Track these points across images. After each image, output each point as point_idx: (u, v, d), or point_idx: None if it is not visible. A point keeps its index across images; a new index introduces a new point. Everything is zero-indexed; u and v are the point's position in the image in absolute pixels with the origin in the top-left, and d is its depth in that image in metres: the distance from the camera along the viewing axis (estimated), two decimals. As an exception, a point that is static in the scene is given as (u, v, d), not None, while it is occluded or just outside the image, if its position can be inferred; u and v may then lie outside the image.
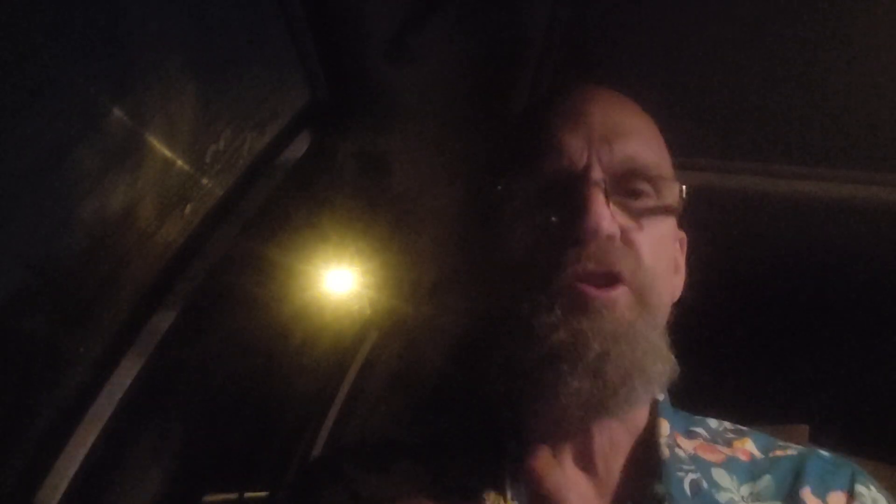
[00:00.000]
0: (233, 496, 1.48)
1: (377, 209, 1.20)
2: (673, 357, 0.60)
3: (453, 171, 1.12)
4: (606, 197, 0.56)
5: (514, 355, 0.57)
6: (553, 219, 0.58)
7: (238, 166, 0.98)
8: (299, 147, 1.04)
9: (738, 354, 1.61)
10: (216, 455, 1.41)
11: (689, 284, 0.68)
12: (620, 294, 0.56)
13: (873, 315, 1.48)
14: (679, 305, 0.66)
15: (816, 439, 1.47)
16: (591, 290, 0.55)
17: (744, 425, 0.69)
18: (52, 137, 0.70)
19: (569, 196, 0.57)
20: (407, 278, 1.40)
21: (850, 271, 1.37)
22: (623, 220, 0.58)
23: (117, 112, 0.75)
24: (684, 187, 0.61)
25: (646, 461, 0.60)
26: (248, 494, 1.50)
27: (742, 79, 0.94)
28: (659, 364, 0.57)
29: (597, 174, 0.57)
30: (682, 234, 0.68)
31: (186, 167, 0.88)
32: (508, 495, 0.57)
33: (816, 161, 1.09)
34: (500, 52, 0.92)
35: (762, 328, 1.57)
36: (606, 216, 0.56)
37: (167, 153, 0.84)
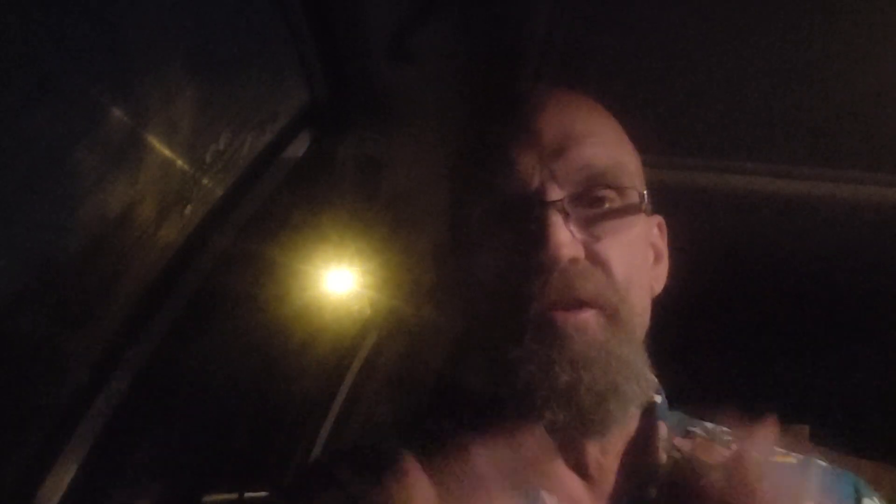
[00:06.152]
0: (233, 496, 1.48)
1: (377, 209, 1.20)
2: (648, 373, 0.59)
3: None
4: (566, 217, 0.55)
5: (492, 384, 0.57)
6: (514, 245, 0.56)
7: (238, 166, 0.98)
8: (299, 147, 1.04)
9: (738, 354, 1.61)
10: (216, 455, 1.41)
11: (691, 286, 0.68)
12: (590, 316, 0.55)
13: (873, 315, 1.48)
14: (679, 306, 0.66)
15: (816, 439, 1.47)
16: (560, 315, 0.54)
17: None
18: (52, 137, 0.70)
19: (525, 221, 0.55)
20: (407, 278, 1.40)
21: (851, 271, 1.37)
22: (586, 235, 0.56)
23: (117, 112, 0.75)
24: (645, 192, 0.59)
25: (642, 464, 0.60)
26: (248, 494, 1.50)
27: (740, 79, 0.94)
28: (633, 383, 0.55)
29: (552, 194, 0.55)
30: (660, 219, 0.66)
31: (186, 167, 0.88)
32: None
33: (813, 162, 1.09)
34: (499, 53, 0.92)
35: (762, 328, 1.58)
36: (566, 241, 0.54)
37: (167, 153, 0.84)
